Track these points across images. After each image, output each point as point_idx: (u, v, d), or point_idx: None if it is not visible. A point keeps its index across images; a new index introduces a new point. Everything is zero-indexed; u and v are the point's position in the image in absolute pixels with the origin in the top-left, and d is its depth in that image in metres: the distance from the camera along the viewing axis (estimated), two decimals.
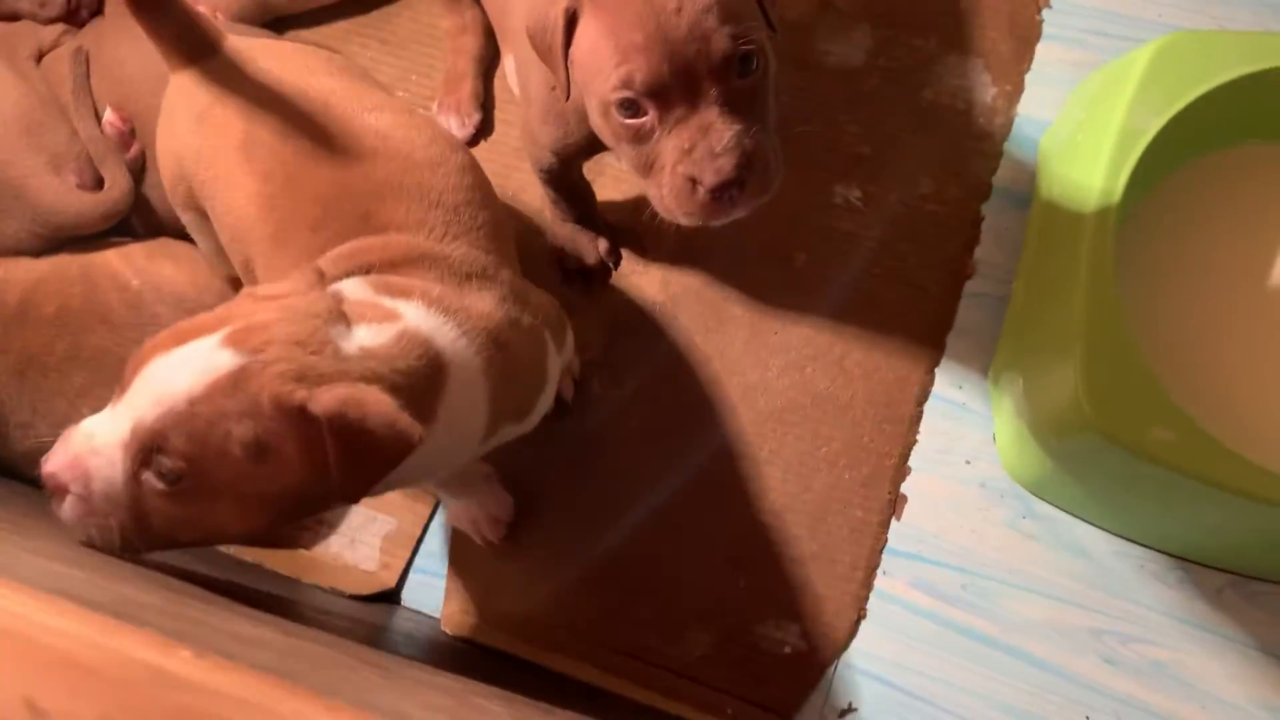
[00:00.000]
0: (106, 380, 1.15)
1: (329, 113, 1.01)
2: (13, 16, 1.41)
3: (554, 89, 1.12)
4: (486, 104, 1.50)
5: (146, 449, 0.75)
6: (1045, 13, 1.50)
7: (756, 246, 1.41)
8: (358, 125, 1.01)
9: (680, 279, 1.41)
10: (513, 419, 1.00)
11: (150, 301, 1.17)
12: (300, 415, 0.75)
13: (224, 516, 0.78)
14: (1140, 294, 1.27)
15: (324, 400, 0.75)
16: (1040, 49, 1.48)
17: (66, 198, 1.26)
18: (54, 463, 0.78)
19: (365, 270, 0.92)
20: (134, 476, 0.76)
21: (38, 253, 1.28)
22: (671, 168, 0.96)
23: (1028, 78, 1.47)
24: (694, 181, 0.94)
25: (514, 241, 1.12)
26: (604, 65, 0.95)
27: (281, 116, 1.00)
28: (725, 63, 0.93)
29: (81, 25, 1.41)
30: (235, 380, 0.75)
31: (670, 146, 0.95)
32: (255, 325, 0.78)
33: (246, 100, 1.02)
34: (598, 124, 1.02)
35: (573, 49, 0.99)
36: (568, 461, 1.35)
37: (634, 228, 1.43)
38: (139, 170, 1.32)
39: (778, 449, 1.34)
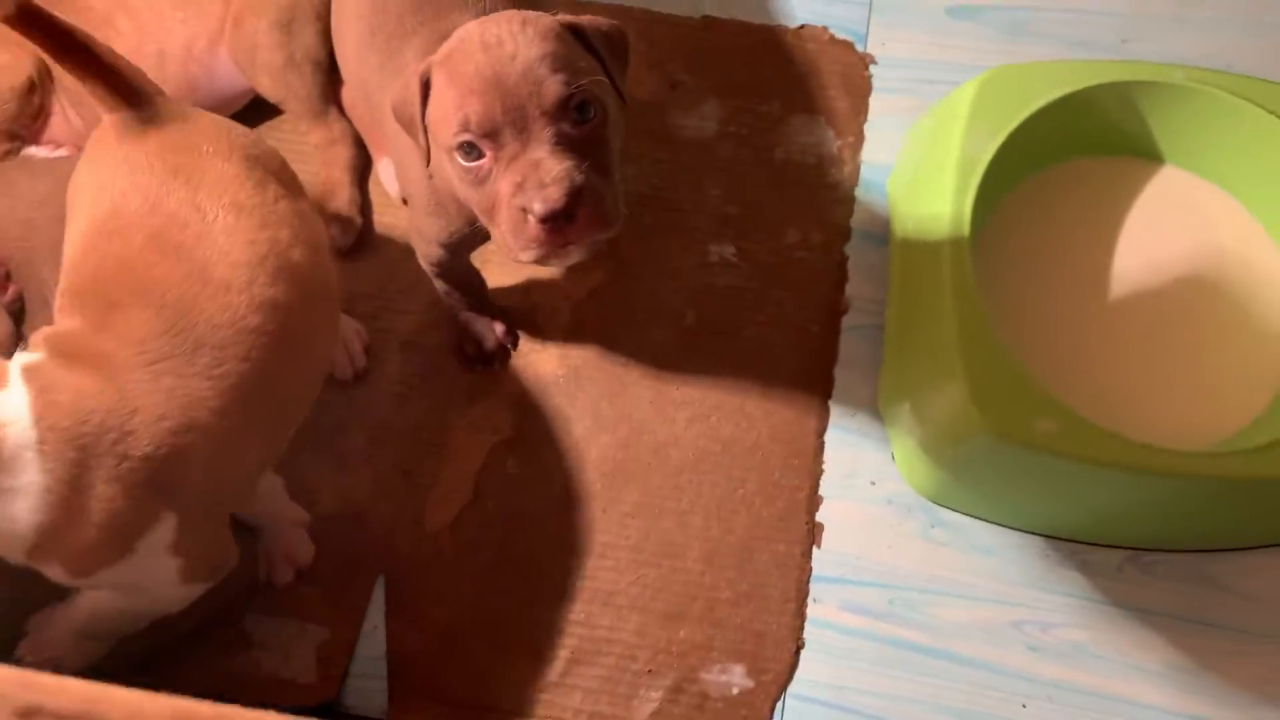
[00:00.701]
0: None
1: (183, 189, 1.02)
2: None
3: (431, 178, 1.17)
4: (365, 211, 1.53)
5: None
6: (873, 68, 1.64)
7: (646, 311, 1.48)
8: (195, 214, 1.01)
9: (578, 352, 1.46)
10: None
11: None
12: None
13: None
14: (1002, 304, 1.38)
15: None
16: (873, 101, 1.62)
17: None
18: None
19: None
20: None
21: None
22: (506, 202, 1.00)
23: (866, 128, 1.60)
24: (525, 212, 0.99)
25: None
26: (448, 114, 1.01)
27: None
28: (558, 106, 0.99)
29: None
30: None
31: (505, 184, 1.00)
32: None
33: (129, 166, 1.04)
34: (446, 177, 1.07)
35: (428, 111, 1.04)
36: (494, 541, 1.36)
37: (526, 308, 1.48)
38: (18, 312, 1.30)
39: (696, 498, 1.39)
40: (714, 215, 1.54)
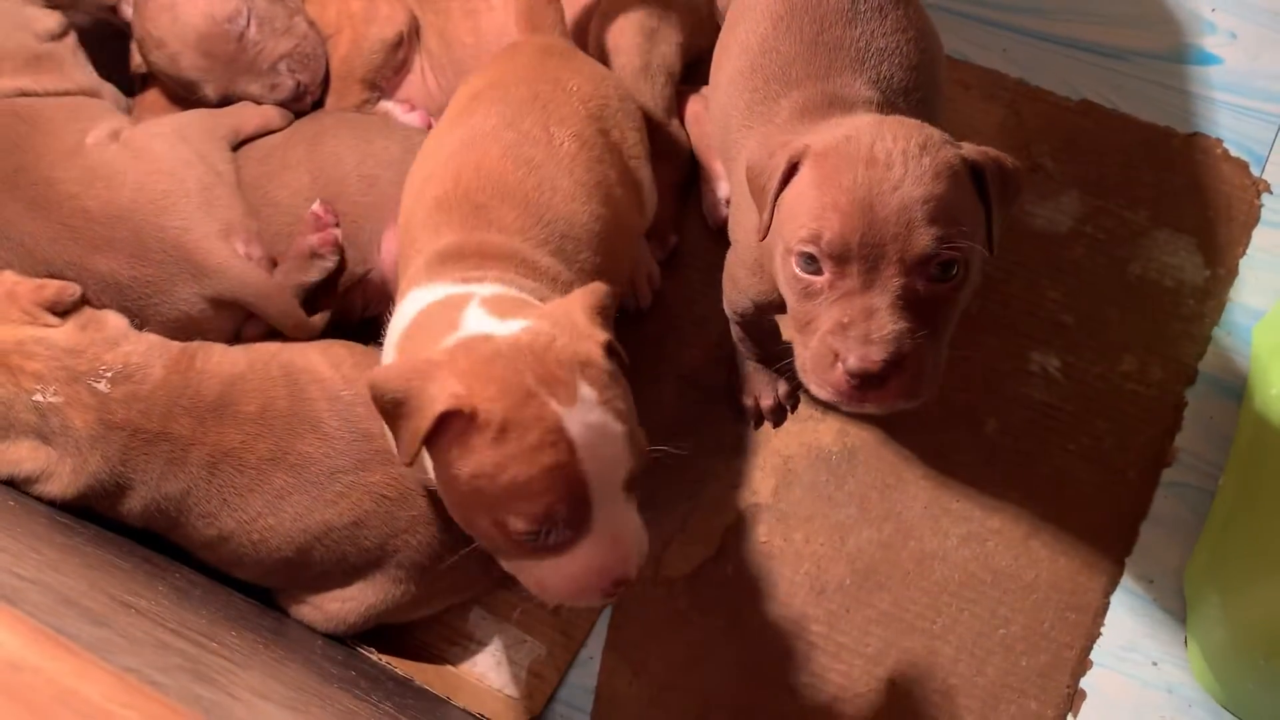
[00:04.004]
0: (310, 486, 1.15)
1: (539, 112, 1.17)
2: (225, 99, 1.43)
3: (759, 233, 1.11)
4: (680, 228, 1.49)
5: None
6: (1265, 197, 1.44)
7: (945, 405, 1.36)
8: (544, 134, 1.15)
9: (859, 431, 1.37)
10: None
11: (362, 415, 1.16)
12: None
13: None
14: None
15: None
16: (1258, 234, 1.42)
17: (232, 262, 1.28)
18: None
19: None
20: None
21: (216, 329, 1.30)
22: (822, 335, 0.93)
23: (1242, 263, 1.41)
24: (837, 356, 0.91)
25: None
26: (801, 214, 0.94)
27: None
28: (919, 261, 0.90)
29: (301, 113, 1.45)
30: None
31: (830, 315, 0.93)
32: None
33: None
34: (776, 264, 1.00)
35: (784, 194, 0.98)
36: (727, 607, 1.30)
37: None
38: (335, 267, 1.33)
39: (952, 625, 1.27)
40: (1045, 321, 1.40)
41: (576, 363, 0.88)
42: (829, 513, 1.33)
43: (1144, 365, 1.37)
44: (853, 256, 0.91)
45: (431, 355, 0.90)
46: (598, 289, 0.96)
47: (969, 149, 0.96)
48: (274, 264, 1.33)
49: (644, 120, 1.31)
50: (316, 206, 1.34)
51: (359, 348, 1.27)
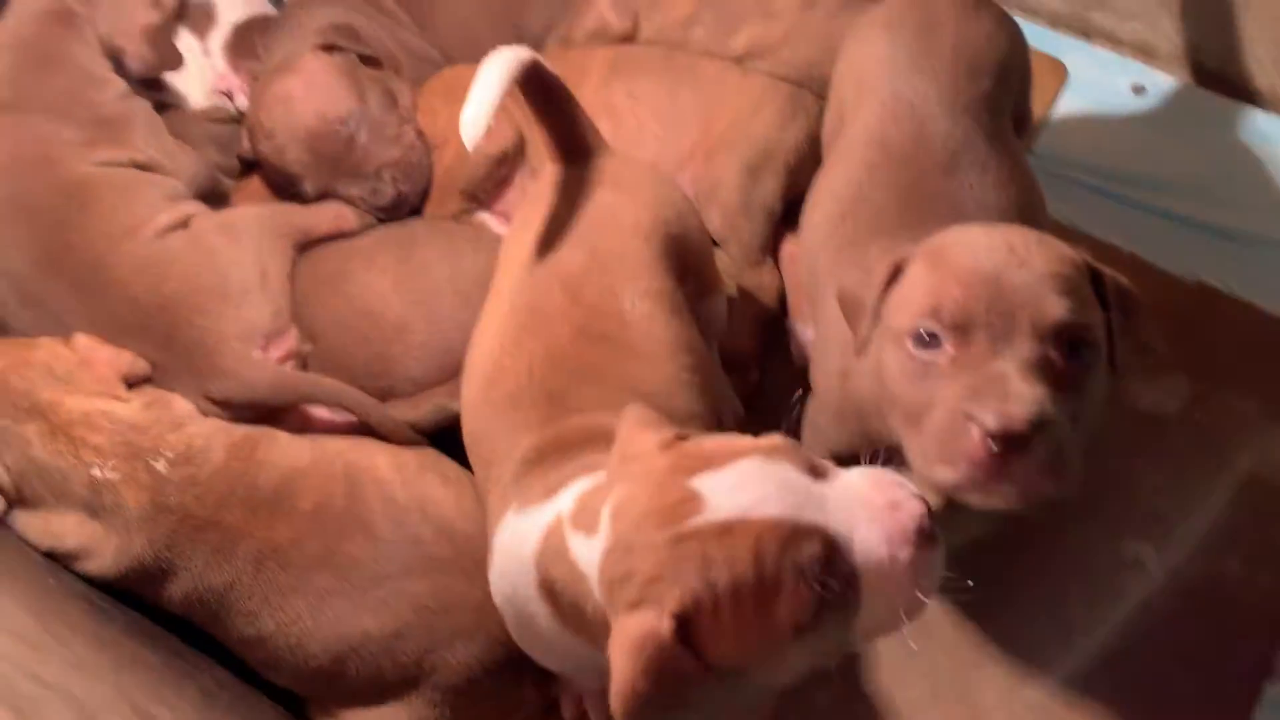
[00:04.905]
0: (353, 591, 1.11)
1: (601, 276, 1.07)
2: (323, 197, 1.44)
3: (847, 380, 1.06)
4: (765, 367, 1.45)
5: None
6: None
7: (1022, 574, 1.28)
8: (614, 303, 1.06)
9: (937, 606, 1.27)
10: None
11: (415, 521, 1.13)
12: None
13: None
14: None
15: None
16: None
17: (242, 367, 1.27)
18: None
19: None
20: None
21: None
22: (948, 406, 0.84)
23: None
24: (970, 420, 0.81)
25: None
26: (916, 298, 0.88)
27: (564, 249, 1.09)
28: (1054, 330, 0.83)
29: (395, 218, 1.45)
30: None
31: (955, 386, 0.84)
32: None
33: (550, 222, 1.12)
34: (880, 365, 0.92)
35: (888, 296, 0.92)
36: None
37: None
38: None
39: None
40: (1142, 506, 1.31)
41: (680, 502, 0.81)
42: (896, 689, 1.24)
43: (1251, 570, 1.27)
44: (978, 324, 0.84)
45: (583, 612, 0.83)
46: (634, 415, 0.88)
47: (1087, 257, 0.91)
48: (301, 359, 1.32)
49: (708, 237, 1.26)
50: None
51: (430, 453, 1.25)
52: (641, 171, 1.20)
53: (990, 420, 0.80)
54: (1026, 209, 1.12)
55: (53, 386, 1.14)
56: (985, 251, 0.87)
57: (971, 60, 1.17)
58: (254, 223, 1.37)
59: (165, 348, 1.26)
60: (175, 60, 1.49)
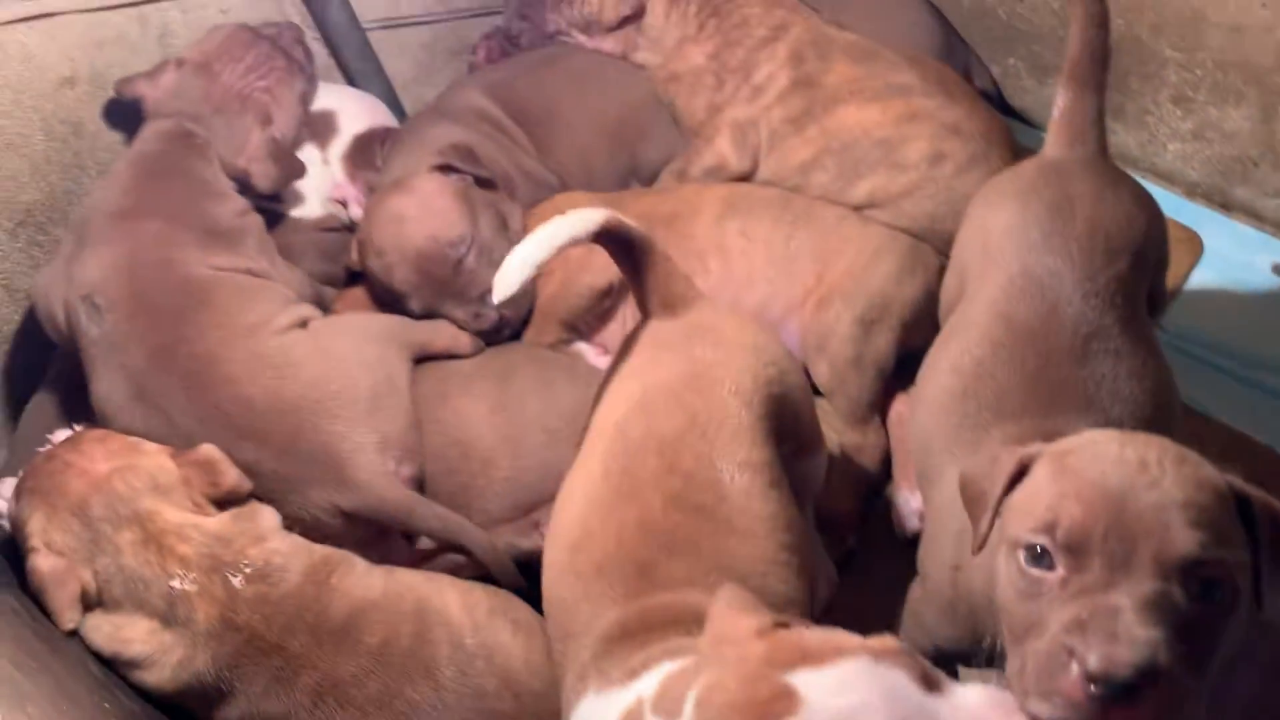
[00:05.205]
0: None
1: (698, 442, 1.01)
2: (427, 316, 1.43)
3: (958, 570, 0.98)
4: (861, 532, 1.37)
5: None
6: None
7: None
8: (711, 473, 0.99)
9: None
10: None
11: (481, 670, 1.08)
12: None
13: None
14: None
15: None
16: None
17: (378, 479, 1.23)
18: None
19: None
20: None
21: (340, 537, 1.23)
22: (1051, 634, 0.76)
23: None
24: (1072, 655, 0.74)
25: None
26: (1035, 506, 0.81)
27: (651, 412, 1.03)
28: (1179, 565, 0.75)
29: (495, 342, 1.43)
30: None
31: (1061, 613, 0.77)
32: None
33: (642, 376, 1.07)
34: (996, 567, 0.86)
35: (1010, 497, 0.85)
36: None
37: None
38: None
39: None
40: None
41: (773, 698, 0.74)
42: None
43: None
44: (1093, 550, 0.77)
45: None
46: (728, 597, 0.83)
47: (1233, 478, 0.82)
48: (418, 481, 1.28)
49: (811, 394, 1.17)
50: None
51: (501, 594, 1.20)
52: (742, 326, 1.14)
53: (1093, 661, 0.73)
54: (1160, 403, 1.05)
55: (154, 496, 1.12)
56: (1113, 466, 0.80)
57: (1109, 240, 1.11)
58: (380, 330, 1.35)
59: (286, 454, 1.23)
60: (299, 170, 1.51)
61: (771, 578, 0.96)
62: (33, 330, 1.50)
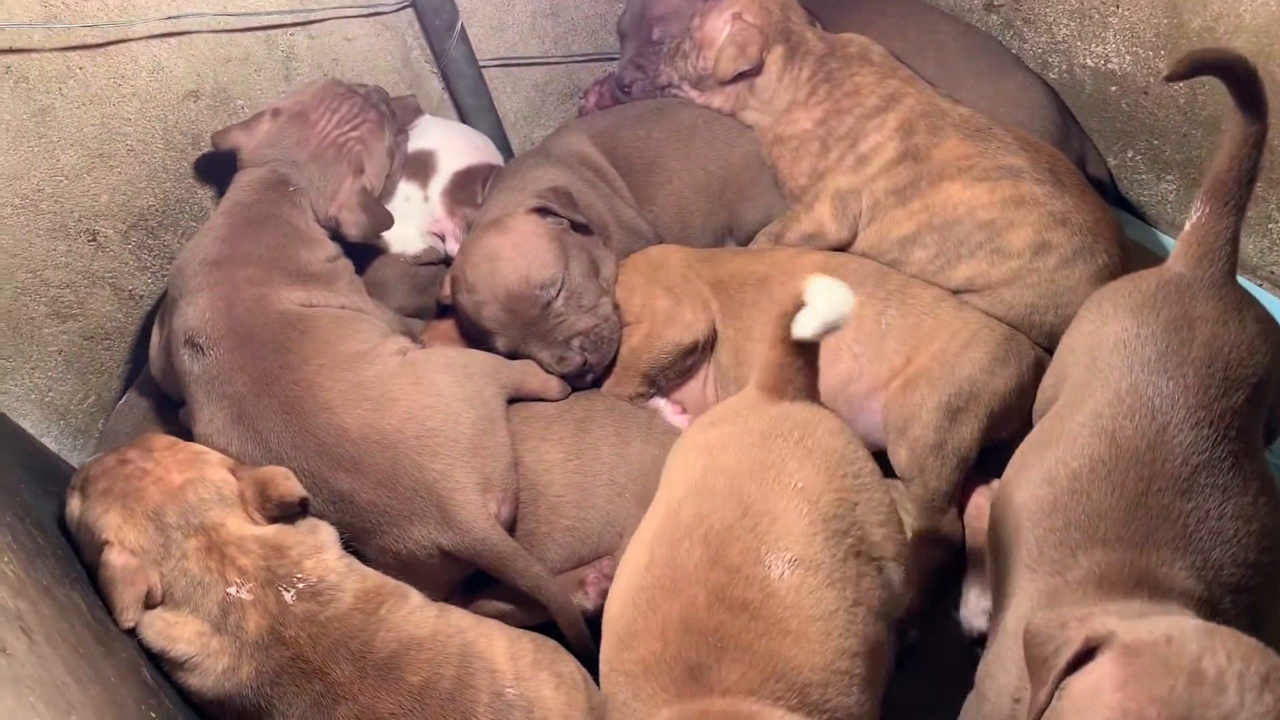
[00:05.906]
0: None
1: (748, 536, 0.96)
2: (513, 356, 1.43)
3: (1017, 701, 0.94)
4: (925, 625, 1.32)
5: None
6: None
7: None
8: (758, 568, 0.94)
9: None
10: None
11: None
12: None
13: None
14: None
15: None
16: None
17: (480, 521, 1.22)
18: None
19: None
20: None
21: (433, 576, 1.24)
22: None
23: None
24: None
25: None
26: (1091, 712, 0.78)
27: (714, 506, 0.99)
28: None
29: (577, 387, 1.43)
30: None
31: None
32: None
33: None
34: None
35: (1073, 679, 0.81)
36: None
37: None
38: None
39: None
40: None
41: None
42: None
43: None
44: None
45: None
46: None
47: None
48: (511, 524, 1.28)
49: (896, 511, 1.09)
50: None
51: (548, 646, 1.18)
52: (835, 432, 1.06)
53: None
54: (1267, 546, 0.99)
55: (220, 507, 1.15)
56: (1185, 685, 0.75)
57: (1227, 369, 1.05)
58: (480, 367, 1.34)
59: (383, 487, 1.22)
60: (387, 221, 1.51)
61: (833, 689, 0.92)
62: (135, 330, 1.55)
